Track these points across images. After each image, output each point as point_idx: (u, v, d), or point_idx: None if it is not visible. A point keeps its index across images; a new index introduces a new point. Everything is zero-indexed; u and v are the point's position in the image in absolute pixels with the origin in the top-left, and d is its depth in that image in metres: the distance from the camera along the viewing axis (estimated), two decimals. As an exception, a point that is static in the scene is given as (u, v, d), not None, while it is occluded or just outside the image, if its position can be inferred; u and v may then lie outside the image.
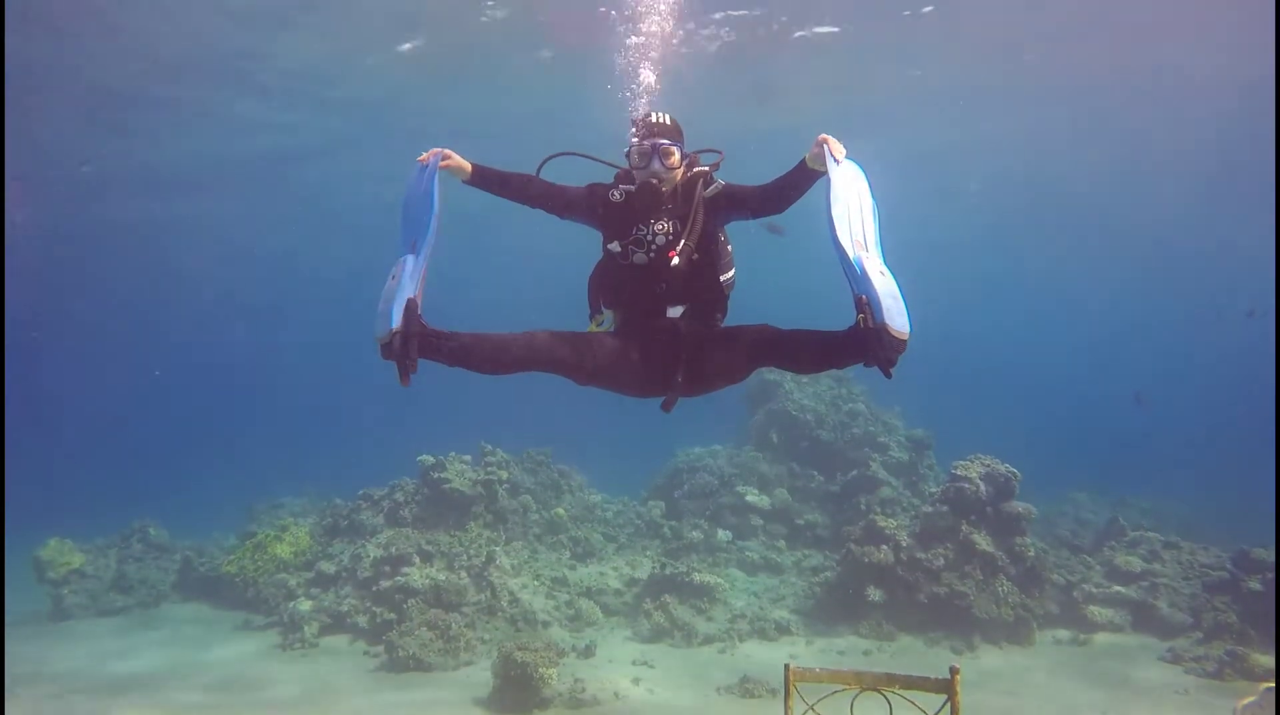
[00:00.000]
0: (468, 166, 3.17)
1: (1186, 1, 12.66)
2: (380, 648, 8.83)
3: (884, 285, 2.69)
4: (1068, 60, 14.57)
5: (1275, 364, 25.72)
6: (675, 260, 3.10)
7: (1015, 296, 42.16)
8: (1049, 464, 17.40)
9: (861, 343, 2.67)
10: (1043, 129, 18.35)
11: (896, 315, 2.63)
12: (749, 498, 12.85)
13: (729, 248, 3.37)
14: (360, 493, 11.76)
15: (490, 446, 11.98)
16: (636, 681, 8.07)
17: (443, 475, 10.85)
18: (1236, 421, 29.77)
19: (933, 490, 12.19)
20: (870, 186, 3.06)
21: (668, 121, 3.17)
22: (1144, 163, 20.53)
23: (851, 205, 2.93)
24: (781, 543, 12.48)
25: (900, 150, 19.38)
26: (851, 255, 2.80)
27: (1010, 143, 19.41)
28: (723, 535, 12.24)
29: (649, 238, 3.14)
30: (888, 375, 2.67)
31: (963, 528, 9.64)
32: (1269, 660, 7.90)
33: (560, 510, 12.63)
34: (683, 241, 3.11)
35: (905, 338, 2.62)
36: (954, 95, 16.50)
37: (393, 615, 9.25)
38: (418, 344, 2.71)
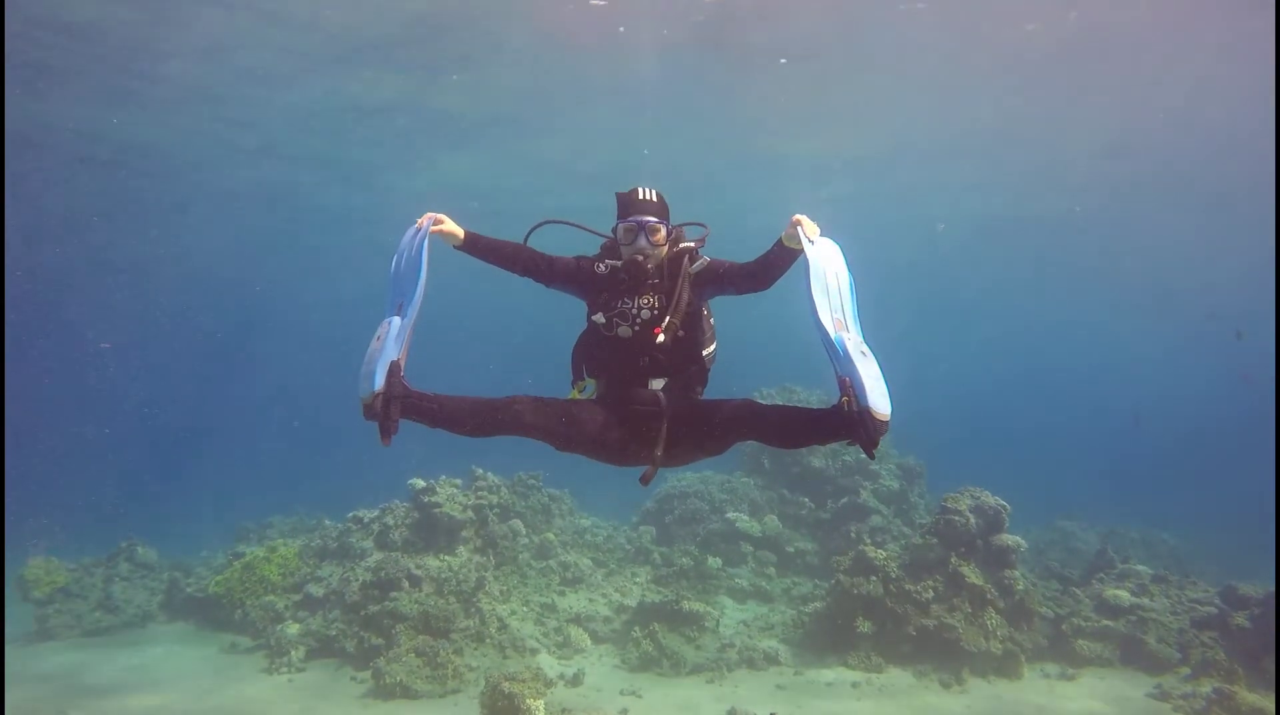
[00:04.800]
0: (460, 232, 3.23)
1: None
2: (367, 673, 8.76)
3: (866, 367, 2.77)
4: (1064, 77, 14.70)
5: (1275, 388, 25.79)
6: (661, 337, 3.16)
7: (1004, 322, 42.41)
8: (1039, 489, 17.49)
9: (846, 423, 2.76)
10: (1027, 150, 18.52)
11: (879, 397, 2.71)
12: (739, 524, 12.84)
13: (711, 322, 3.45)
14: (350, 515, 11.71)
15: (481, 471, 11.98)
16: (624, 712, 8.04)
17: (433, 499, 10.82)
18: (1234, 449, 29.94)
19: (923, 519, 12.23)
20: (846, 262, 3.14)
21: (654, 198, 3.23)
22: (1135, 182, 20.64)
23: (830, 284, 3.02)
24: (771, 570, 12.47)
25: (882, 170, 19.67)
26: (833, 335, 2.88)
27: (995, 164, 19.59)
28: (713, 562, 12.22)
29: (634, 312, 3.20)
30: (871, 456, 2.77)
31: (952, 560, 9.66)
32: (1256, 699, 7.91)
33: (550, 535, 12.61)
34: (668, 318, 3.18)
35: (887, 420, 2.70)
36: (943, 113, 16.65)
37: (380, 640, 9.20)
38: (399, 406, 2.77)
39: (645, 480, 3.21)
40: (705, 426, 3.14)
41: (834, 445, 12.10)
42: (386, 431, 2.74)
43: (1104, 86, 14.90)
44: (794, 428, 3.01)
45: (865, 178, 19.79)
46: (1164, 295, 32.18)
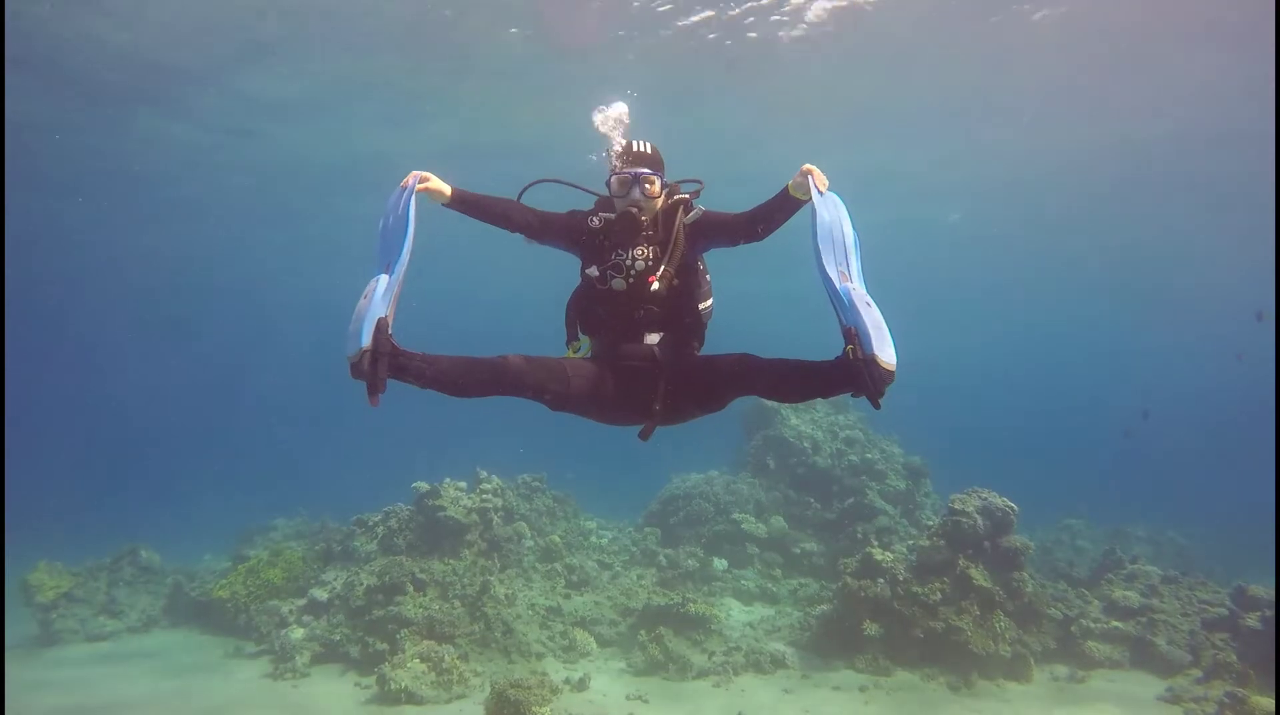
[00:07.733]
0: (447, 189, 3.18)
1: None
2: (372, 679, 8.72)
3: (871, 316, 2.73)
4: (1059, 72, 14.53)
5: (1276, 387, 25.62)
6: (655, 285, 3.13)
7: (1010, 318, 42.23)
8: (1045, 488, 17.38)
9: (851, 373, 2.69)
10: (1032, 145, 18.35)
11: (885, 346, 2.65)
12: (745, 526, 12.78)
13: (707, 277, 3.40)
14: (354, 518, 11.66)
15: (485, 473, 11.92)
16: (630, 718, 7.99)
17: (437, 502, 10.77)
18: (1240, 445, 29.75)
19: (930, 519, 12.16)
20: (851, 218, 3.09)
21: (648, 150, 3.21)
22: (1141, 180, 20.44)
23: (835, 236, 2.98)
24: (778, 571, 12.40)
25: (882, 171, 19.53)
26: (838, 285, 2.85)
27: (999, 161, 19.43)
28: (718, 564, 12.16)
29: (628, 263, 3.16)
30: (876, 406, 2.69)
31: (960, 562, 9.57)
32: (1269, 703, 7.83)
33: (555, 537, 12.55)
34: (663, 267, 3.15)
35: (893, 368, 2.64)
36: (939, 112, 16.51)
37: (385, 645, 9.16)
38: (387, 364, 2.68)
39: (644, 436, 3.17)
40: (704, 381, 3.10)
41: (836, 439, 11.81)
42: (374, 390, 2.64)
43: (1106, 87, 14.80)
44: (796, 380, 2.93)
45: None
46: (1166, 293, 31.98)
